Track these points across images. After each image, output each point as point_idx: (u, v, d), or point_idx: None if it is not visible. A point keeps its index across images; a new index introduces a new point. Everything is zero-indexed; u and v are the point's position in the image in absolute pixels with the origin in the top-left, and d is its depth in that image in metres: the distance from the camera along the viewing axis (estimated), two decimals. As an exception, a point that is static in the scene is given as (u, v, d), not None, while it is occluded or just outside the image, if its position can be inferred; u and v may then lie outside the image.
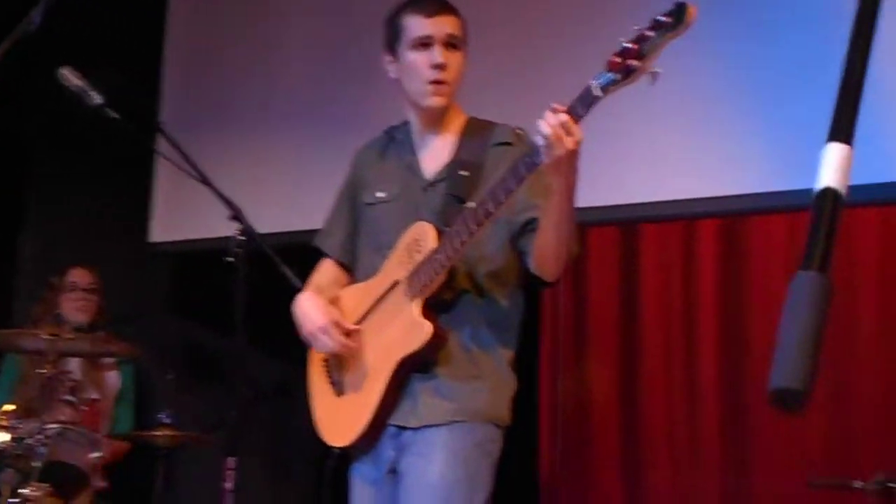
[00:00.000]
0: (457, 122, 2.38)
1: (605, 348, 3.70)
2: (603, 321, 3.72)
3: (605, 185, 3.69)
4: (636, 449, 3.59)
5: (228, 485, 2.57)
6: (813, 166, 3.06)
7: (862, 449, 3.24)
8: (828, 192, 0.81)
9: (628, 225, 3.73)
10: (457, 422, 2.23)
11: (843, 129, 0.83)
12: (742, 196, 3.50)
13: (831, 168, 0.82)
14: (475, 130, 2.37)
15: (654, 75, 1.91)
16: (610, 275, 3.73)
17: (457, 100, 2.39)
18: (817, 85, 3.32)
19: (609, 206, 3.67)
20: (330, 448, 2.33)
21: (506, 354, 2.31)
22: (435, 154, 2.38)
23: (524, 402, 2.39)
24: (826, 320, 0.74)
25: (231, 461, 2.57)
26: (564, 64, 3.45)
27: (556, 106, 1.99)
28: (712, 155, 3.53)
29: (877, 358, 3.23)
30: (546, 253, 2.20)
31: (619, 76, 1.93)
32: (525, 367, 2.40)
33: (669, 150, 3.59)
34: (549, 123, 1.99)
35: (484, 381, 2.27)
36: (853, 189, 0.83)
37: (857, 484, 2.69)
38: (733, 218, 3.56)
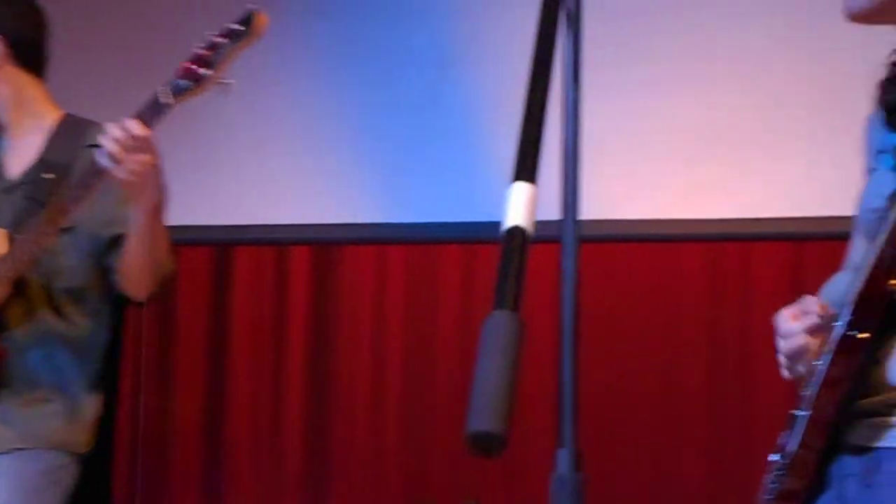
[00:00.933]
0: (49, 120, 2.21)
1: (191, 371, 3.59)
2: (190, 343, 3.61)
3: (199, 205, 3.62)
4: (219, 474, 3.51)
5: None
6: (399, 200, 3.17)
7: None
8: (516, 231, 0.81)
9: (221, 246, 3.66)
10: (20, 449, 2.08)
11: (527, 168, 0.84)
12: (333, 225, 3.57)
13: (518, 206, 0.82)
14: (69, 129, 2.20)
15: (227, 86, 1.88)
16: (200, 296, 3.64)
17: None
18: (413, 124, 3.49)
19: (203, 226, 3.59)
20: None
21: (84, 377, 2.16)
22: (21, 154, 2.20)
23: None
24: (519, 359, 0.73)
25: None
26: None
27: (125, 120, 1.90)
28: (308, 182, 3.57)
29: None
30: (132, 271, 2.09)
31: (190, 84, 1.88)
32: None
33: (271, 174, 3.58)
34: (111, 137, 1.89)
35: (55, 405, 2.12)
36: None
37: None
38: (324, 246, 3.60)
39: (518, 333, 0.74)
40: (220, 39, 1.86)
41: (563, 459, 0.90)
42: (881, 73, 1.66)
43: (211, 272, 3.66)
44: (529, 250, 0.79)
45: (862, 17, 1.60)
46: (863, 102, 1.97)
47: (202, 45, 1.86)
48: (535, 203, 0.84)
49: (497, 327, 0.75)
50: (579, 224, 0.91)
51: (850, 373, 1.55)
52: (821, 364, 1.56)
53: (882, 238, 1.49)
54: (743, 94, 3.27)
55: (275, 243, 3.62)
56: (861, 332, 1.53)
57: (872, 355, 1.56)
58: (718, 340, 3.29)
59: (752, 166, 3.28)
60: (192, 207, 3.61)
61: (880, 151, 1.66)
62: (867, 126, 1.75)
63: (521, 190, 0.84)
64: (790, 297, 1.77)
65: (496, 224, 3.00)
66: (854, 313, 1.52)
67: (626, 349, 3.27)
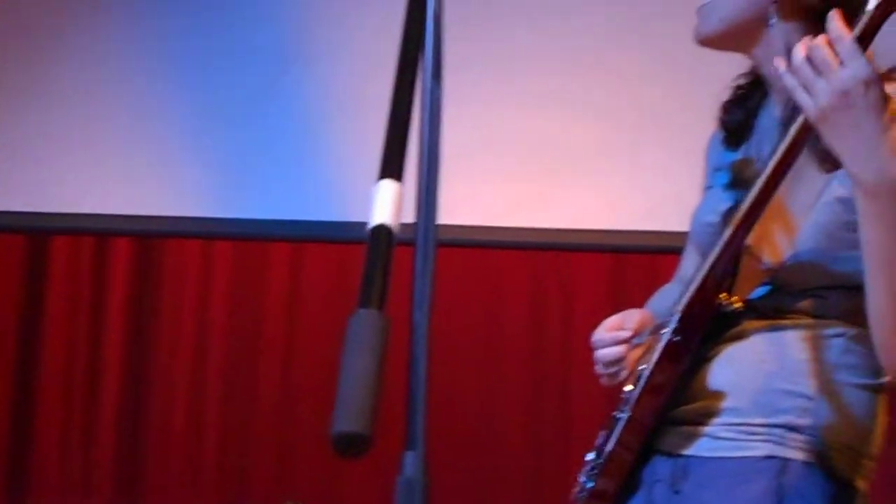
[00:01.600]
0: None
1: (0, 364, 3.42)
2: (1, 334, 3.44)
3: (14, 191, 3.47)
4: (27, 469, 3.36)
5: None
6: (227, 195, 3.11)
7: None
8: (382, 229, 0.80)
9: (38, 234, 3.50)
10: None
11: (393, 166, 0.84)
12: (157, 217, 3.47)
13: (384, 205, 0.81)
14: None
15: None
16: (11, 286, 3.47)
17: None
18: (248, 122, 3.43)
19: (18, 212, 3.45)
20: None
21: None
22: None
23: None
24: (385, 358, 0.73)
25: None
26: None
27: None
28: (134, 172, 3.47)
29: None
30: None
31: None
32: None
33: (94, 162, 3.47)
34: None
35: None
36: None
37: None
38: (148, 238, 3.49)
39: (384, 332, 0.74)
40: None
41: (411, 462, 0.90)
42: (718, 95, 1.74)
43: (25, 261, 3.49)
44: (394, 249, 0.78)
45: (710, 42, 1.67)
46: (686, 122, 2.06)
47: None
48: (400, 201, 0.83)
49: (363, 326, 0.74)
50: (436, 227, 0.91)
51: (672, 380, 1.61)
52: (645, 369, 1.61)
53: (715, 253, 1.55)
54: (574, 108, 3.36)
55: (95, 233, 3.50)
56: (686, 340, 1.59)
57: (695, 365, 1.63)
58: (540, 349, 3.36)
59: (579, 179, 3.37)
60: (7, 192, 3.47)
61: (717, 169, 1.73)
62: (708, 145, 1.83)
63: (388, 188, 0.83)
64: (610, 307, 1.83)
65: (326, 223, 2.99)
66: (680, 322, 1.58)
67: (450, 352, 3.30)
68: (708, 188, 1.78)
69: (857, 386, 1.60)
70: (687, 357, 1.60)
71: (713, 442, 1.60)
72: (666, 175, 3.18)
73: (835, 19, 1.32)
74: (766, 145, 1.62)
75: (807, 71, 1.34)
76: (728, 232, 1.53)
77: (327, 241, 3.39)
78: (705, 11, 1.65)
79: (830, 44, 1.32)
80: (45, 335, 3.44)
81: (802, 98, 1.36)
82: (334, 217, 3.34)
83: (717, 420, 1.59)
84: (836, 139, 1.37)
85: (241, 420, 3.36)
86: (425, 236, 0.95)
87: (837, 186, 1.51)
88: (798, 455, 1.56)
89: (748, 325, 1.60)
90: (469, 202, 3.28)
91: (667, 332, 1.59)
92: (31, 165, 3.47)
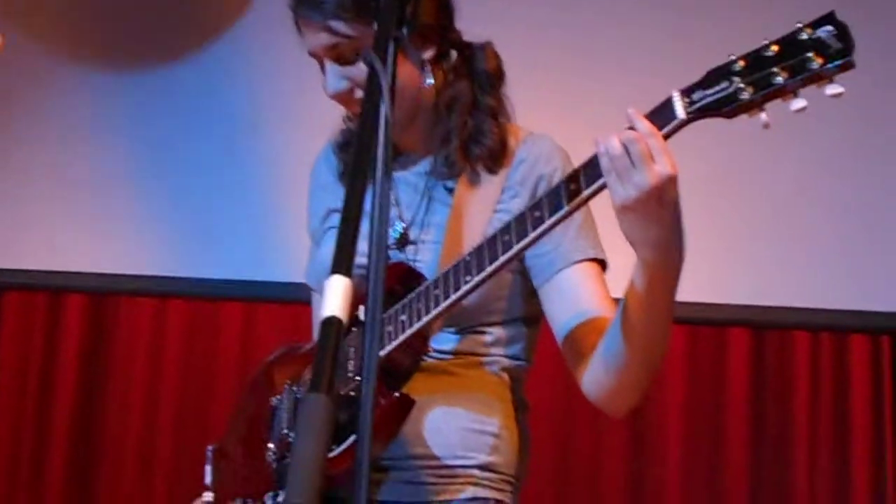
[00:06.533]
0: None
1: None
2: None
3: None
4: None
5: None
6: (181, 255, 3.11)
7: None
8: (332, 320, 0.89)
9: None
10: None
11: (343, 263, 0.92)
12: (112, 275, 3.50)
13: (335, 298, 0.90)
14: None
15: None
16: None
17: None
18: (206, 183, 3.49)
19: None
20: None
21: None
22: None
23: None
24: (329, 439, 0.81)
25: None
26: None
27: None
28: (89, 229, 3.52)
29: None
30: None
31: None
32: None
33: (49, 218, 3.51)
34: None
35: None
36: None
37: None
38: (101, 295, 3.53)
39: (330, 416, 0.82)
40: None
41: None
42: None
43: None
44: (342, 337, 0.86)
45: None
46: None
47: None
48: (349, 295, 0.92)
49: (311, 410, 0.82)
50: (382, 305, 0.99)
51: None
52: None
53: (429, 315, 1.56)
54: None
55: (48, 289, 3.53)
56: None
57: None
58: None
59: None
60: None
61: (335, 211, 1.83)
62: (314, 171, 1.94)
63: (338, 283, 0.91)
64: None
65: (279, 284, 3.04)
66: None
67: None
68: (330, 229, 1.85)
69: (521, 417, 1.76)
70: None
71: (415, 487, 1.66)
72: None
73: (639, 118, 1.41)
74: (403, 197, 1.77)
75: (625, 161, 1.39)
76: (442, 304, 1.55)
77: (279, 302, 3.44)
78: None
79: (641, 139, 1.39)
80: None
81: (615, 185, 1.41)
82: (287, 278, 3.40)
83: (415, 464, 1.66)
84: (638, 228, 1.44)
85: (192, 480, 3.37)
86: (373, 317, 1.03)
87: (497, 225, 1.61)
88: (498, 495, 1.68)
89: (431, 366, 1.67)
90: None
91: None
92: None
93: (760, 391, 3.33)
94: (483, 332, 1.73)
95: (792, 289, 3.32)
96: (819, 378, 3.33)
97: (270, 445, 1.72)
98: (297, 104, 3.41)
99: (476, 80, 1.78)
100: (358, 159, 1.01)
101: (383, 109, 1.03)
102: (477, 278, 1.51)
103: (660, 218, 1.42)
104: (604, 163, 1.42)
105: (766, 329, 3.35)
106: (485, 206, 1.72)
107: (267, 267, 3.46)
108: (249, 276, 3.48)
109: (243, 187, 3.48)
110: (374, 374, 0.99)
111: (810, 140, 3.27)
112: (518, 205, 1.69)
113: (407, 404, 1.56)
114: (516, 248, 1.49)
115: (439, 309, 1.54)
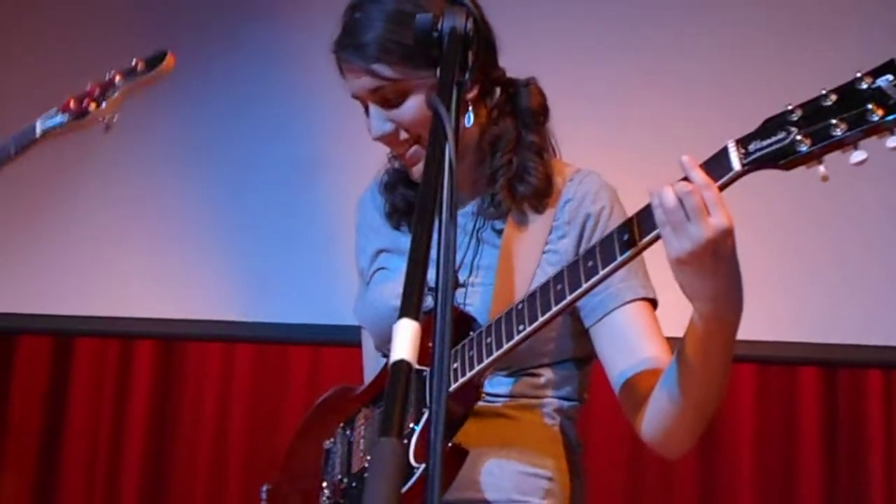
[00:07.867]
0: None
1: (22, 466, 3.47)
2: (22, 437, 3.51)
3: (41, 293, 3.57)
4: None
5: None
6: (248, 299, 3.13)
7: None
8: (402, 364, 0.89)
9: (62, 336, 3.60)
10: None
11: (412, 307, 0.93)
12: (179, 321, 3.55)
13: (404, 341, 0.91)
14: None
15: (110, 124, 1.93)
16: (36, 387, 3.55)
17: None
18: (270, 227, 3.53)
19: (43, 315, 3.54)
20: None
21: None
22: None
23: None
24: (401, 482, 0.81)
25: None
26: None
27: None
28: (157, 276, 3.57)
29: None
30: None
31: (67, 118, 1.93)
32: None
33: (118, 265, 3.57)
34: None
35: None
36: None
37: None
38: (170, 341, 3.58)
39: (401, 460, 0.83)
40: (117, 77, 1.88)
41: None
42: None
43: (49, 363, 3.58)
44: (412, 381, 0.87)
45: None
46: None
47: (99, 80, 1.88)
48: (418, 339, 0.92)
49: (383, 454, 0.83)
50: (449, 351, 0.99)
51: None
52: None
53: (486, 361, 1.55)
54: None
55: (119, 336, 3.58)
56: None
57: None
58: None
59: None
60: (34, 295, 3.56)
61: (387, 251, 1.85)
62: (359, 207, 1.97)
63: (407, 327, 0.92)
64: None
65: (345, 327, 3.03)
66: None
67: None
68: (380, 270, 1.86)
69: (575, 458, 1.74)
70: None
71: None
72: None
73: (694, 168, 1.37)
74: None
75: (680, 215, 1.36)
76: (495, 353, 1.54)
77: (345, 345, 3.45)
78: None
79: (696, 191, 1.36)
80: (68, 436, 3.52)
81: (669, 238, 1.39)
82: (353, 321, 3.41)
83: None
84: (693, 281, 1.41)
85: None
86: (440, 361, 1.04)
87: (547, 266, 1.60)
88: None
89: (484, 409, 1.66)
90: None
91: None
92: (57, 269, 3.58)
93: (832, 430, 3.26)
94: (535, 375, 1.72)
95: (864, 325, 3.26)
96: (893, 416, 3.25)
97: (325, 489, 1.73)
98: (366, 148, 3.43)
99: (520, 118, 1.77)
100: (424, 202, 1.03)
101: (448, 153, 1.05)
102: (530, 328, 1.51)
103: (715, 271, 1.39)
104: (658, 215, 1.39)
105: (837, 367, 3.29)
106: (533, 246, 1.71)
107: (333, 310, 3.48)
108: (315, 319, 3.50)
109: (310, 232, 3.52)
110: (443, 418, 0.99)
111: (875, 176, 3.22)
112: (566, 245, 1.70)
113: (461, 455, 1.54)
114: (569, 298, 1.48)
115: (492, 358, 1.53)
